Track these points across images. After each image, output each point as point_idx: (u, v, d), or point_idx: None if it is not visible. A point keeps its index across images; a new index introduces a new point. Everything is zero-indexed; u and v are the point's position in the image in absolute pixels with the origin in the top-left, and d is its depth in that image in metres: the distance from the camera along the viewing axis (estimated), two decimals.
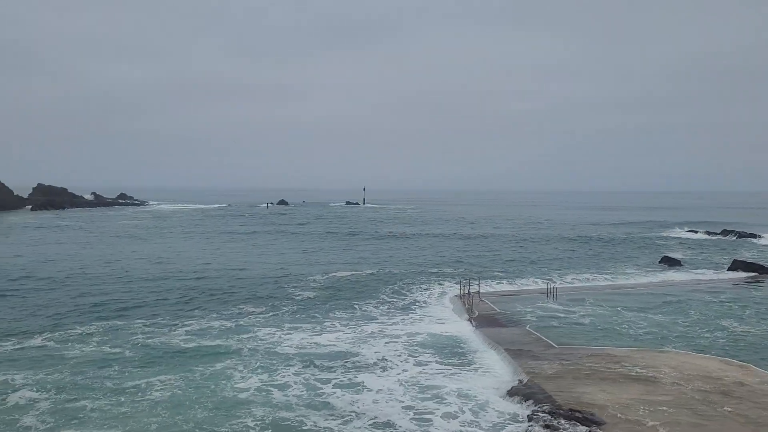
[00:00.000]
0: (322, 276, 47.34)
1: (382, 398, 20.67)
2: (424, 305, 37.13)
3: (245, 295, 39.16)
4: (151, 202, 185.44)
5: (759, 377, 21.54)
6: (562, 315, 32.95)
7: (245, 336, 28.67)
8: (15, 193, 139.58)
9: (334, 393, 21.18)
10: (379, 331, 30.19)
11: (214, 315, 33.45)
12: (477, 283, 40.15)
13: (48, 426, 18.24)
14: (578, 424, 17.02)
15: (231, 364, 24.22)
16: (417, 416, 19.15)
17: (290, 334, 29.38)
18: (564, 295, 39.01)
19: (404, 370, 23.63)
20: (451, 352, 26.40)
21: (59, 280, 43.63)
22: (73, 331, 29.42)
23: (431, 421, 18.83)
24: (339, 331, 30.18)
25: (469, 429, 18.31)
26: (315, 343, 27.63)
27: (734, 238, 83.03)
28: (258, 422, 18.58)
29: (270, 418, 18.83)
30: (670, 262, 57.24)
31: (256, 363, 24.33)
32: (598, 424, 17.00)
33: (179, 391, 21.10)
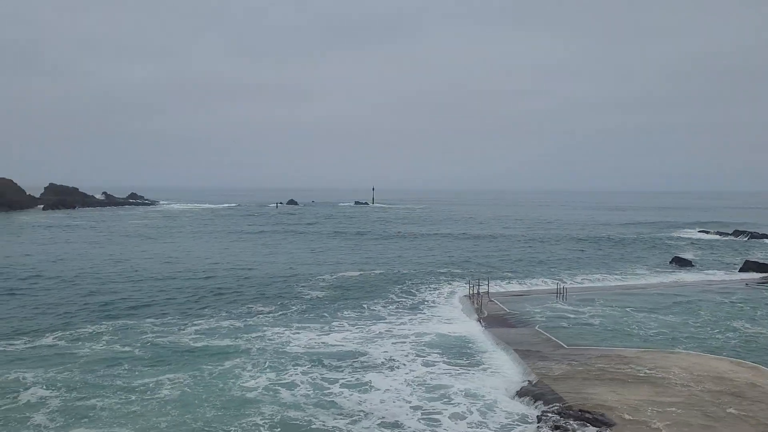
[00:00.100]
0: (331, 275, 47.37)
1: (390, 398, 20.64)
2: (432, 305, 37.07)
3: (254, 295, 39.25)
4: (161, 202, 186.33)
5: None
6: (572, 315, 32.79)
7: (254, 335, 28.74)
8: (27, 193, 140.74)
9: (342, 393, 21.17)
10: (388, 330, 30.16)
11: (223, 314, 33.55)
12: (486, 283, 40.03)
13: (58, 424, 18.34)
14: (588, 424, 16.92)
15: (240, 363, 24.28)
16: (425, 416, 19.11)
17: (298, 333, 29.41)
18: (574, 295, 38.83)
19: (412, 370, 23.59)
20: (460, 352, 26.33)
21: (70, 279, 43.91)
22: (83, 329, 29.59)
23: (439, 421, 18.78)
24: (347, 330, 30.18)
25: (477, 430, 18.25)
26: (323, 343, 27.64)
27: (746, 239, 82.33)
28: (267, 421, 18.61)
29: (278, 417, 18.86)
30: (681, 263, 56.84)
31: (264, 362, 24.37)
32: (608, 425, 16.90)
33: (188, 390, 21.17)
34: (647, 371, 21.79)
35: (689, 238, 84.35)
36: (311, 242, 76.56)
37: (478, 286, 38.31)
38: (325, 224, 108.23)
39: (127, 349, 26.23)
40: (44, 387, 21.30)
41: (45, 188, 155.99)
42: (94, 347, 26.48)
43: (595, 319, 32.06)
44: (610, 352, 24.81)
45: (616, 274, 50.69)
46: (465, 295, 39.25)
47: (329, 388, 21.55)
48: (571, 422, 17.12)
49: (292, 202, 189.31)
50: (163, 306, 35.56)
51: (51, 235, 78.69)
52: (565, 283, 44.36)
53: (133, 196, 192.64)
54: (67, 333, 28.88)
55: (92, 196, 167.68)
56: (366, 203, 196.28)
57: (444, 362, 24.76)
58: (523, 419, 18.81)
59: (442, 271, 51.32)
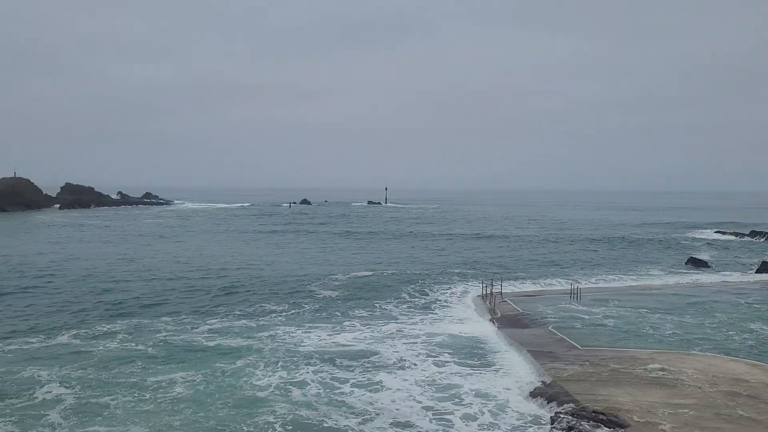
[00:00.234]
0: (344, 275, 47.40)
1: (402, 398, 20.60)
2: (445, 305, 36.98)
3: (267, 294, 39.38)
4: (175, 201, 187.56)
5: None
6: (586, 316, 32.55)
7: (266, 334, 28.82)
8: (44, 193, 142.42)
9: (354, 392, 21.17)
10: (399, 330, 30.13)
11: (236, 313, 33.69)
12: (499, 283, 39.87)
13: (73, 422, 18.49)
14: (602, 426, 16.78)
15: (252, 362, 24.35)
16: (436, 417, 19.05)
17: (310, 332, 29.46)
18: (587, 295, 38.55)
19: (424, 370, 23.53)
20: (473, 352, 26.23)
21: (84, 278, 44.29)
22: (97, 328, 29.84)
23: (451, 421, 18.72)
24: (359, 330, 30.18)
25: (489, 431, 18.16)
26: (335, 342, 27.66)
27: (763, 239, 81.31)
28: (279, 420, 18.65)
29: (291, 416, 18.89)
30: (697, 264, 56.28)
31: (276, 361, 24.43)
32: (622, 426, 16.74)
33: (201, 389, 21.27)
34: (661, 373, 21.57)
35: (705, 239, 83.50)
36: (324, 242, 76.70)
37: (491, 286, 38.16)
38: (338, 224, 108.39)
39: (140, 347, 26.41)
40: (59, 385, 21.49)
41: (61, 188, 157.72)
42: (108, 345, 26.69)
43: (609, 319, 31.80)
44: (624, 353, 24.59)
45: (631, 275, 50.30)
46: (478, 295, 39.12)
47: (341, 388, 21.56)
48: (585, 423, 16.98)
49: (305, 201, 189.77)
50: (177, 305, 35.77)
51: (66, 234, 79.48)
52: (579, 283, 44.06)
53: (147, 195, 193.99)
54: (82, 331, 29.14)
55: (107, 195, 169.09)
56: (379, 203, 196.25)
57: (456, 362, 24.68)
58: (536, 420, 18.70)
59: (454, 270, 51.19)
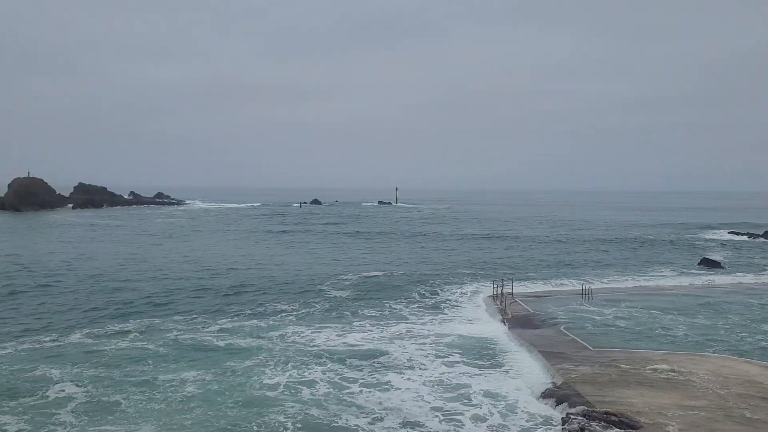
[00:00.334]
0: (354, 275, 47.41)
1: (411, 398, 20.56)
2: (456, 305, 36.89)
3: (277, 294, 39.46)
4: (187, 201, 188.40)
5: None
6: (597, 317, 32.34)
7: (276, 334, 28.87)
8: (57, 192, 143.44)
9: (363, 392, 21.16)
10: (409, 330, 30.08)
11: (247, 312, 33.78)
12: (510, 283, 39.71)
13: (84, 420, 18.60)
14: (613, 427, 16.64)
15: (262, 361, 24.40)
16: (446, 417, 18.99)
17: (320, 332, 29.48)
18: (599, 296, 38.31)
19: (434, 371, 23.47)
20: (483, 352, 26.14)
21: (96, 277, 44.57)
22: (109, 327, 30.03)
23: (461, 422, 18.65)
24: (369, 330, 30.16)
25: None
26: (344, 342, 27.66)
27: None
28: (290, 419, 18.67)
29: (301, 416, 18.91)
30: (710, 264, 55.79)
31: (286, 361, 24.46)
32: (634, 428, 16.60)
33: (212, 388, 21.33)
34: (674, 374, 21.39)
35: (718, 239, 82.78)
36: (335, 242, 76.78)
37: (502, 286, 38.01)
38: (349, 224, 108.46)
39: (151, 346, 26.53)
40: (71, 383, 21.63)
41: (74, 188, 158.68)
42: (119, 344, 26.84)
43: (621, 320, 31.58)
44: (636, 355, 24.41)
45: (643, 275, 49.94)
46: (489, 296, 38.98)
47: (350, 388, 21.55)
48: (596, 424, 16.85)
49: (315, 201, 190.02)
50: (188, 304, 35.92)
51: (79, 234, 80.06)
52: (591, 283, 43.77)
53: (159, 195, 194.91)
54: (94, 330, 29.33)
55: (120, 195, 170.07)
56: (389, 203, 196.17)
57: (466, 363, 24.60)
58: (547, 421, 18.59)
59: (465, 271, 51.06)
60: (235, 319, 32.30)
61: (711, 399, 18.84)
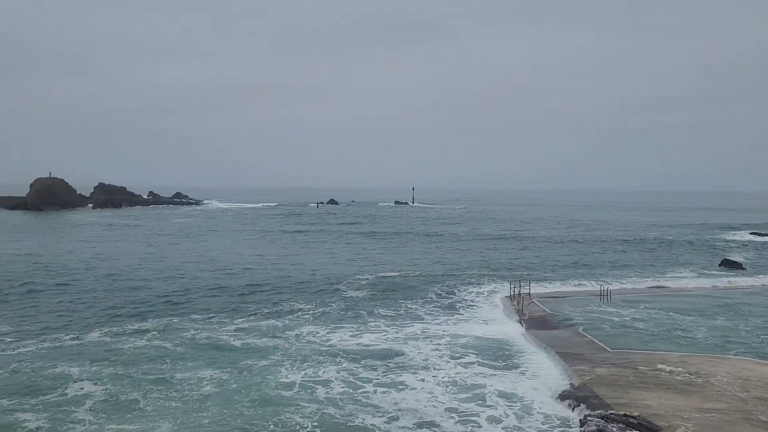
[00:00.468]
0: (371, 275, 47.41)
1: (426, 398, 20.50)
2: (472, 306, 36.73)
3: (294, 293, 39.58)
4: (204, 201, 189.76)
5: None
6: (616, 318, 32.02)
7: (292, 333, 28.96)
8: (78, 192, 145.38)
9: (378, 392, 21.13)
10: (425, 330, 30.00)
11: (264, 312, 33.93)
12: (527, 284, 39.45)
13: (102, 418, 18.78)
14: (633, 430, 16.46)
15: (278, 360, 24.48)
16: (462, 418, 18.91)
17: (336, 332, 29.52)
18: (618, 297, 37.94)
19: (450, 371, 23.38)
20: (499, 353, 25.99)
21: (115, 276, 45.03)
22: (127, 326, 30.31)
23: (477, 423, 18.56)
24: (384, 330, 30.14)
25: None
26: (360, 342, 27.66)
27: None
28: (306, 418, 18.71)
29: (318, 415, 18.95)
30: (731, 266, 55.00)
31: (302, 360, 24.52)
32: (654, 431, 16.40)
33: (228, 387, 21.44)
34: (693, 376, 21.11)
35: (739, 240, 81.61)
36: (352, 242, 76.86)
37: (519, 286, 37.79)
38: (366, 224, 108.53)
39: (169, 345, 26.73)
40: (90, 381, 21.86)
41: (95, 188, 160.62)
42: (137, 343, 27.08)
43: (640, 322, 31.23)
44: (655, 356, 24.13)
45: (662, 277, 49.35)
46: (506, 296, 38.77)
47: (366, 387, 21.54)
48: (614, 427, 16.67)
49: (332, 201, 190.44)
50: (205, 303, 36.15)
51: (99, 233, 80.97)
52: (609, 284, 43.34)
53: (177, 195, 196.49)
54: (112, 329, 29.62)
55: (139, 195, 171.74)
56: (406, 203, 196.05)
57: (483, 363, 24.48)
58: (564, 423, 18.43)
59: (482, 271, 50.86)
60: (252, 318, 32.45)
61: (730, 402, 18.57)
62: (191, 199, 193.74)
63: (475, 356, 25.42)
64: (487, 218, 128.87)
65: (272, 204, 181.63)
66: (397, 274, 48.52)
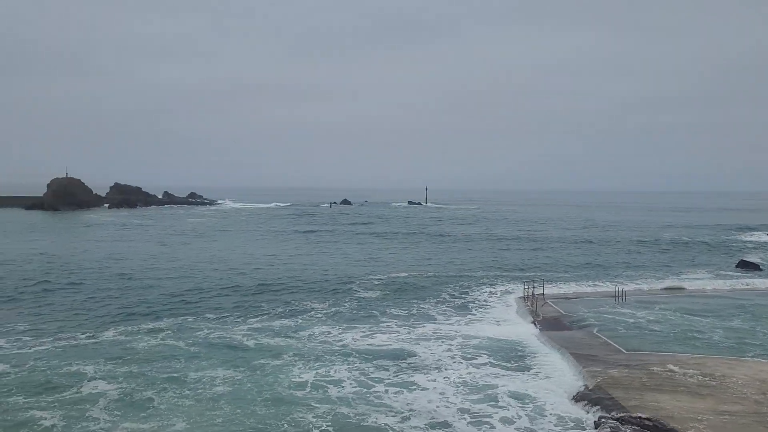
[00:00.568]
0: (383, 276, 47.39)
1: (439, 399, 20.45)
2: (485, 306, 36.59)
3: (306, 293, 39.65)
4: (218, 201, 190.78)
5: None
6: (631, 319, 31.75)
7: (305, 333, 29.01)
8: (94, 192, 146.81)
9: (390, 392, 21.11)
10: (438, 331, 29.93)
11: (277, 311, 34.02)
12: (541, 284, 39.25)
13: (116, 416, 18.92)
14: None
15: (291, 360, 24.53)
16: (474, 419, 18.83)
17: (348, 332, 29.53)
18: (632, 298, 37.63)
19: (462, 372, 23.30)
20: (513, 354, 25.87)
21: (130, 276, 45.37)
22: (142, 325, 30.51)
23: (490, 424, 18.48)
24: (396, 330, 30.11)
25: None
26: (373, 342, 27.66)
27: None
28: (319, 418, 18.75)
29: (330, 415, 18.99)
30: (748, 267, 54.35)
31: (315, 360, 24.56)
32: None
33: (241, 386, 21.53)
34: (709, 379, 20.88)
35: (757, 241, 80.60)
36: (365, 242, 76.88)
37: (533, 287, 37.60)
38: (379, 224, 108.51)
39: (182, 344, 26.88)
40: (104, 380, 22.03)
41: (110, 188, 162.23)
42: (151, 342, 27.25)
43: (655, 323, 30.94)
44: (671, 358, 23.89)
45: (678, 277, 48.86)
46: (519, 297, 38.60)
47: (377, 388, 21.53)
48: (628, 429, 16.51)
49: (345, 201, 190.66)
50: (218, 303, 36.32)
51: (114, 233, 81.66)
52: (624, 285, 42.99)
53: (192, 195, 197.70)
54: (127, 328, 29.84)
55: (154, 195, 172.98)
56: (419, 203, 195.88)
57: (496, 364, 24.37)
58: (578, 425, 18.30)
59: (495, 272, 50.67)
60: (265, 318, 32.55)
61: (746, 405, 18.34)
62: (205, 199, 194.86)
63: (487, 357, 25.32)
64: (501, 219, 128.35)
65: (285, 204, 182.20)
66: (410, 274, 48.46)
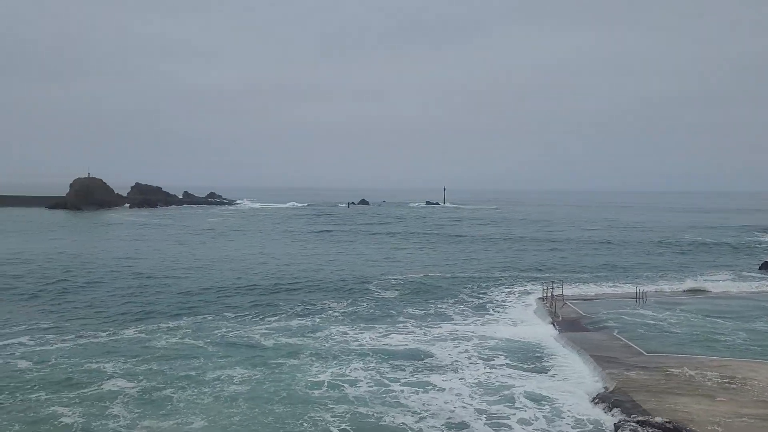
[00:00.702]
0: (401, 275, 47.35)
1: (455, 399, 20.37)
2: (504, 307, 36.39)
3: (324, 293, 39.74)
4: (237, 201, 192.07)
5: None
6: (652, 321, 31.36)
7: (323, 333, 29.07)
8: (115, 192, 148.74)
9: (407, 392, 21.08)
10: (455, 331, 29.81)
11: (294, 311, 34.16)
12: (561, 285, 38.91)
13: (135, 414, 19.10)
14: None
15: (308, 360, 24.60)
16: (492, 420, 18.73)
17: (365, 332, 29.54)
18: (653, 299, 37.18)
19: (479, 372, 23.19)
20: (531, 355, 25.69)
21: (149, 274, 45.82)
22: (161, 324, 30.80)
23: (507, 425, 18.37)
24: (413, 331, 30.06)
25: None
26: (389, 342, 27.63)
27: None
28: (337, 418, 18.78)
29: (348, 414, 19.00)
30: None
31: (332, 360, 24.59)
32: None
33: (259, 385, 21.62)
34: (730, 382, 20.54)
35: None
36: (383, 242, 76.89)
37: (553, 288, 37.30)
38: (397, 224, 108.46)
39: (201, 343, 27.08)
40: (124, 377, 22.27)
41: (131, 187, 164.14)
42: (170, 340, 27.50)
43: (677, 325, 30.52)
44: (693, 361, 23.56)
45: (699, 279, 48.15)
46: (539, 298, 38.31)
47: (394, 388, 21.50)
48: None
49: (363, 201, 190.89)
50: (237, 302, 36.54)
51: (135, 232, 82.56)
52: (645, 286, 42.46)
53: (211, 195, 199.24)
54: (146, 326, 30.14)
55: (174, 195, 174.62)
56: (437, 203, 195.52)
57: (513, 365, 24.21)
58: (597, 427, 18.12)
59: (515, 273, 50.38)
60: (282, 317, 32.68)
61: None
62: (224, 199, 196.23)
63: (504, 358, 25.17)
64: (519, 219, 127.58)
65: (302, 204, 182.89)
66: (426, 274, 48.37)
